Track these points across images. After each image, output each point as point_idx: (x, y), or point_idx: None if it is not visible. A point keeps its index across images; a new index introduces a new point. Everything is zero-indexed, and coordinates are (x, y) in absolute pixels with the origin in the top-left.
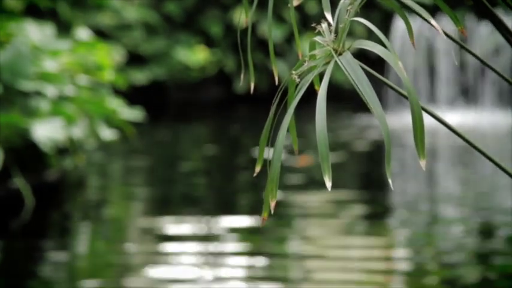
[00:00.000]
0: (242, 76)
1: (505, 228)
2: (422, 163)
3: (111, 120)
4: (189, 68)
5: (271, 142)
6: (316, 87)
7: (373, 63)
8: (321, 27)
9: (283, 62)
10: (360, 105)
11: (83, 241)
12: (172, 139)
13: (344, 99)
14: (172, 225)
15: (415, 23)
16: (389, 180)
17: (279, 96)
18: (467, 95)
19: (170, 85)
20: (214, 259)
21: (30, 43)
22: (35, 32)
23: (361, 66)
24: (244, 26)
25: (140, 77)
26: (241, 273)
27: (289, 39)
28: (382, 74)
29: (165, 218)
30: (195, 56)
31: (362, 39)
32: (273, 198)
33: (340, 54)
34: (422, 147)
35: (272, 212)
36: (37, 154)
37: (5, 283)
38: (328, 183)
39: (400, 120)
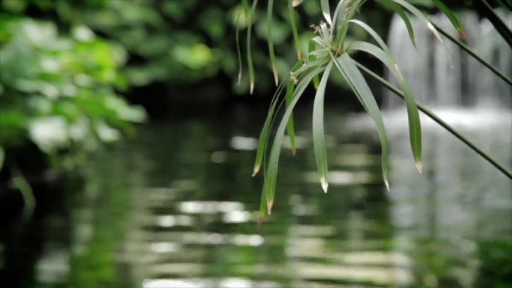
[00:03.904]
0: (240, 76)
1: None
2: (419, 165)
3: (111, 120)
4: (189, 68)
5: (270, 142)
6: (315, 86)
7: (373, 64)
8: (320, 28)
9: (283, 62)
10: (358, 106)
11: (83, 241)
12: (172, 139)
13: (342, 99)
14: (172, 226)
15: (416, 22)
16: (386, 182)
17: (277, 96)
18: (467, 95)
19: (170, 85)
20: (213, 253)
21: (30, 43)
22: (35, 32)
23: (360, 68)
24: (244, 26)
25: (140, 77)
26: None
27: (289, 39)
28: (381, 75)
29: (166, 219)
30: (195, 56)
31: (360, 41)
32: (270, 198)
33: (338, 55)
34: (419, 150)
35: (270, 212)
36: (37, 154)
37: (5, 283)
38: (324, 185)
39: (400, 121)
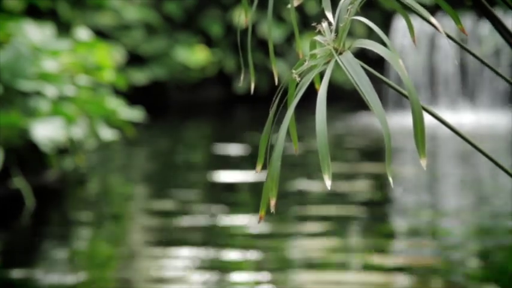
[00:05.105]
0: (242, 76)
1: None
2: (423, 162)
3: (111, 120)
4: (189, 68)
5: (272, 141)
6: (316, 86)
7: (373, 63)
8: (321, 26)
9: (283, 62)
10: (357, 105)
11: (83, 241)
12: (172, 139)
13: (340, 99)
14: (172, 226)
15: (415, 23)
16: (390, 179)
17: (279, 95)
18: (467, 95)
19: (170, 85)
20: (214, 253)
21: (30, 43)
22: (35, 32)
23: (361, 66)
24: (244, 26)
25: (140, 77)
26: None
27: (289, 39)
28: (381, 74)
29: (166, 218)
30: (195, 56)
31: (362, 39)
32: (273, 196)
33: (340, 53)
34: (423, 146)
35: (273, 210)
36: (37, 154)
37: (5, 283)
38: (328, 182)
39: (400, 119)
